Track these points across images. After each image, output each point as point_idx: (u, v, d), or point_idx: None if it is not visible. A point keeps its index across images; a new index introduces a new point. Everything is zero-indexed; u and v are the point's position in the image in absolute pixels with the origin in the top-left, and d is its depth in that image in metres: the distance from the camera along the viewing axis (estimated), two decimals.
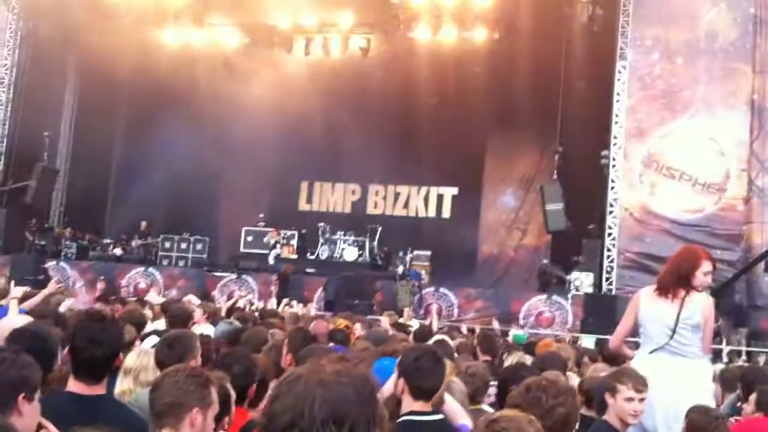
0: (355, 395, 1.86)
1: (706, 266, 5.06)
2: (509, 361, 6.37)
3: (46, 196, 22.53)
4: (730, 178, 17.12)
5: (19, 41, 21.94)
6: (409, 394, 3.70)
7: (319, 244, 21.41)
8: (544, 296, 18.18)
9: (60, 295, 9.64)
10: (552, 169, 19.24)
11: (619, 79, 18.00)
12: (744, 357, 14.45)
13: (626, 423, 4.39)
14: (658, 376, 4.68)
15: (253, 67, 21.68)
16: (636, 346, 5.60)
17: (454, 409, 3.94)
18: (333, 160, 22.66)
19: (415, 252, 20.76)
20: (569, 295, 17.93)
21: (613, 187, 17.85)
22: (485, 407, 4.60)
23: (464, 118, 20.79)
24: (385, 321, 11.25)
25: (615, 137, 17.91)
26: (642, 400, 4.35)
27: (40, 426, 2.88)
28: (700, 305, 5.00)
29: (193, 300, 12.40)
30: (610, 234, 17.74)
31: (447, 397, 3.94)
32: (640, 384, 4.37)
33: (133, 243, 22.36)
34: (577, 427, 3.63)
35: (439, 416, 3.76)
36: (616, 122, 17.92)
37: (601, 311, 16.27)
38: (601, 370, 6.17)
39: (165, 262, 21.66)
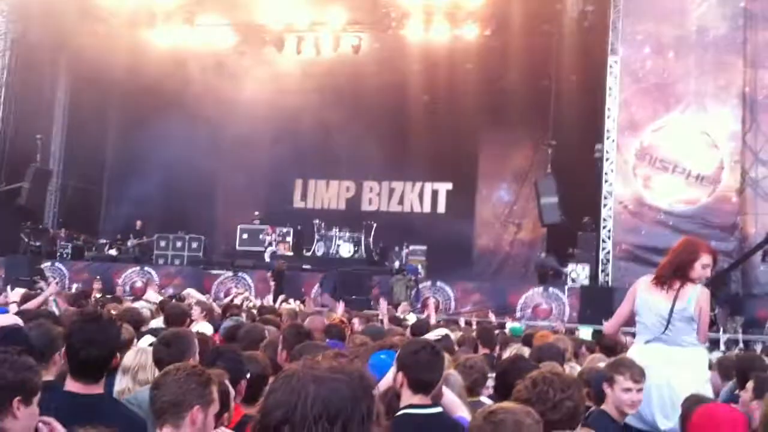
0: (349, 391, 1.86)
1: (705, 259, 5.06)
2: (507, 353, 6.39)
3: (40, 197, 22.48)
4: (723, 169, 17.19)
5: (10, 44, 21.90)
6: (408, 388, 3.72)
7: (315, 240, 21.42)
8: (541, 288, 18.25)
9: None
10: (546, 163, 19.29)
11: (610, 74, 18.05)
12: (741, 345, 14.52)
13: (624, 413, 4.42)
14: (654, 365, 4.71)
15: (245, 67, 21.65)
16: (634, 336, 5.63)
17: (453, 401, 3.96)
18: (327, 158, 22.69)
19: (411, 247, 20.80)
20: (566, 287, 18.00)
21: (607, 180, 17.91)
22: (483, 399, 4.62)
23: (457, 114, 20.81)
24: (383, 304, 11.28)
25: (608, 131, 17.97)
26: (640, 390, 4.38)
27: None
28: (694, 297, 5.01)
29: (192, 293, 12.43)
30: (605, 226, 17.82)
31: (445, 389, 3.96)
32: (637, 375, 4.39)
33: (129, 243, 22.34)
34: None
35: (438, 409, 3.78)
36: (609, 116, 17.98)
37: (598, 302, 16.30)
38: (598, 360, 6.19)
39: (161, 261, 21.65)
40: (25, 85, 21.68)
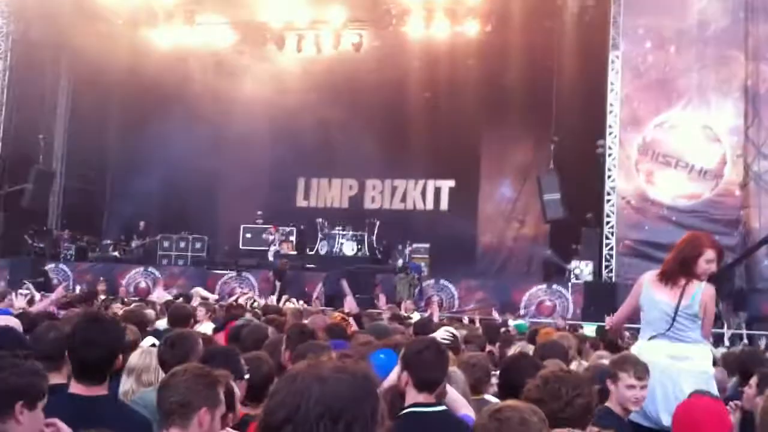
0: (352, 391, 1.85)
1: (709, 254, 5.03)
2: (512, 350, 6.39)
3: (43, 198, 22.49)
4: (726, 164, 17.17)
5: (11, 45, 21.91)
6: (413, 387, 3.72)
7: (318, 239, 21.44)
8: (545, 285, 18.26)
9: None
10: (548, 160, 19.27)
11: (612, 69, 18.04)
12: (745, 340, 14.51)
13: (628, 410, 4.42)
14: (658, 361, 4.70)
15: (245, 66, 21.66)
16: (637, 332, 5.62)
17: (457, 399, 3.96)
18: (329, 156, 22.67)
19: (414, 245, 20.81)
20: (569, 284, 18.00)
21: (609, 176, 17.89)
22: (488, 397, 4.62)
23: (459, 111, 20.79)
24: (383, 299, 11.28)
25: (610, 126, 17.96)
26: (644, 387, 4.38)
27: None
28: (699, 295, 4.99)
29: (200, 292, 12.44)
30: (608, 222, 17.81)
31: (449, 388, 3.96)
32: (641, 371, 4.39)
33: (133, 244, 22.37)
34: None
35: (442, 407, 3.78)
36: (611, 111, 17.97)
37: (602, 299, 16.31)
38: (603, 357, 6.20)
39: (164, 262, 21.69)
40: (26, 85, 21.70)
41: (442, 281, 19.04)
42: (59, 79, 23.52)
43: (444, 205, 23.32)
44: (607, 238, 17.80)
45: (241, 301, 13.10)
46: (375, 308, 13.32)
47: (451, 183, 23.18)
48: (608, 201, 17.88)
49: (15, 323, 4.80)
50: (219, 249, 22.83)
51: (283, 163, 22.60)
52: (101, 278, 19.52)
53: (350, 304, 10.38)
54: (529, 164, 21.72)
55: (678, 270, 5.05)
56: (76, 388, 3.40)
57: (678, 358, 4.95)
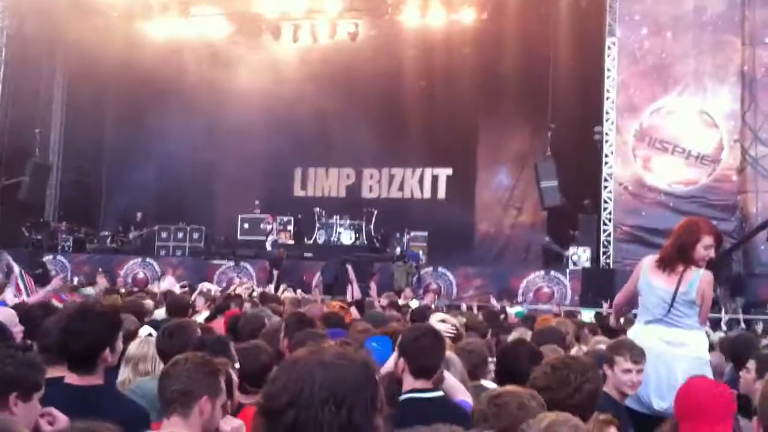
0: (354, 377, 1.88)
1: (706, 240, 5.01)
2: (512, 336, 6.41)
3: (40, 191, 22.51)
4: (723, 149, 17.19)
5: (6, 39, 21.84)
6: (409, 373, 3.73)
7: (316, 228, 21.44)
8: (542, 272, 18.29)
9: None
10: (545, 147, 19.27)
11: (608, 55, 18.02)
12: (743, 325, 14.54)
13: (625, 394, 4.44)
14: (653, 346, 4.71)
15: (241, 56, 21.60)
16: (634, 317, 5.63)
17: (454, 385, 3.97)
18: (326, 146, 22.64)
19: (412, 233, 20.81)
20: (567, 270, 18.03)
21: (607, 162, 17.91)
22: (485, 383, 4.63)
23: (455, 99, 20.75)
24: (374, 287, 11.28)
25: (607, 113, 17.95)
26: (640, 371, 4.39)
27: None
28: (697, 281, 4.98)
29: (207, 286, 12.43)
30: (605, 208, 17.84)
31: (446, 374, 3.97)
32: (637, 356, 4.40)
33: (131, 235, 22.37)
34: None
35: (440, 393, 3.79)
36: (608, 98, 17.97)
37: (600, 285, 16.35)
38: (600, 342, 6.21)
39: (162, 252, 21.68)
40: (22, 79, 21.65)
41: (440, 269, 19.08)
42: (55, 73, 23.49)
43: (441, 193, 23.30)
44: (605, 224, 17.82)
45: (239, 291, 13.10)
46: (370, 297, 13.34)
47: (449, 171, 23.16)
48: (605, 187, 17.90)
49: (11, 314, 4.79)
50: (216, 239, 22.83)
51: (280, 152, 22.55)
52: (100, 269, 19.52)
53: (355, 291, 10.37)
54: (526, 151, 21.69)
55: (676, 256, 5.05)
56: (70, 378, 3.40)
57: (674, 344, 4.96)
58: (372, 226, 21.28)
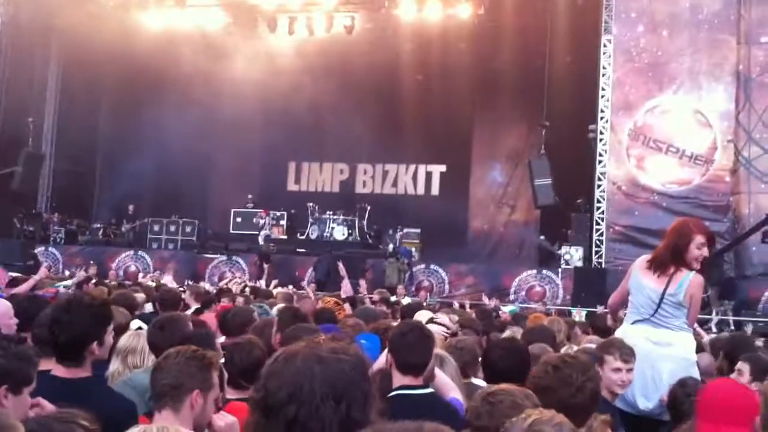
0: (352, 373, 1.90)
1: (699, 239, 5.00)
2: (505, 335, 6.41)
3: (33, 181, 22.41)
4: (716, 149, 17.21)
5: (0, 28, 21.73)
6: (397, 369, 3.72)
7: (309, 224, 21.42)
8: (534, 271, 18.31)
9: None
10: (539, 144, 19.26)
11: (604, 53, 18.01)
12: (732, 327, 14.59)
13: (615, 393, 4.43)
14: (639, 345, 4.70)
15: (237, 48, 21.54)
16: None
17: (445, 383, 3.96)
18: (320, 140, 22.63)
19: (405, 230, 20.81)
20: (559, 270, 18.04)
21: (600, 161, 17.91)
22: (475, 380, 4.62)
23: (451, 94, 20.75)
24: (362, 284, 11.27)
25: (602, 111, 17.95)
26: (629, 370, 4.38)
27: None
28: (686, 283, 4.98)
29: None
30: (598, 208, 17.83)
31: (437, 371, 3.96)
32: (626, 354, 4.40)
33: (123, 228, 22.31)
34: None
35: (429, 390, 3.77)
36: (603, 96, 17.96)
37: (591, 284, 16.36)
38: (591, 342, 6.21)
39: (154, 245, 21.64)
40: (16, 68, 21.57)
41: (432, 266, 19.09)
42: (49, 62, 23.40)
43: (435, 189, 23.32)
44: (597, 223, 17.83)
45: (232, 285, 13.08)
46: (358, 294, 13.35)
47: (442, 168, 23.17)
48: (599, 186, 17.90)
49: (6, 307, 4.76)
50: (209, 233, 22.79)
51: (274, 146, 22.54)
52: (91, 262, 19.44)
53: (346, 287, 10.37)
54: (521, 149, 21.71)
55: (669, 258, 5.04)
56: (58, 370, 3.38)
57: (660, 344, 4.95)
58: (365, 222, 21.28)
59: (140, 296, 8.60)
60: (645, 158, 17.66)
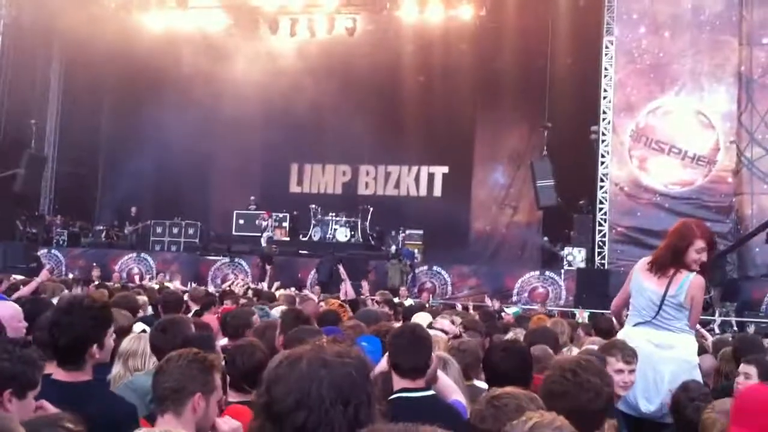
0: (358, 376, 1.89)
1: (698, 243, 5.00)
2: (508, 337, 6.40)
3: (35, 183, 22.42)
4: (719, 150, 17.18)
5: (2, 30, 21.75)
6: (394, 372, 3.70)
7: (311, 225, 21.42)
8: (537, 272, 18.29)
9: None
10: (541, 145, 19.25)
11: (606, 54, 18.00)
12: (735, 328, 14.57)
13: (617, 395, 4.42)
14: (641, 347, 4.69)
15: (238, 50, 21.53)
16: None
17: (448, 385, 3.95)
18: (322, 142, 22.63)
19: (408, 231, 20.81)
20: (562, 271, 18.02)
21: (603, 162, 17.89)
22: (477, 383, 4.61)
23: (452, 96, 20.74)
24: (365, 285, 11.26)
25: (604, 112, 17.94)
26: (632, 371, 4.38)
27: None
28: (687, 284, 4.97)
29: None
30: (601, 209, 17.81)
31: (440, 373, 3.95)
32: (629, 356, 4.39)
33: (126, 230, 22.32)
34: None
35: (429, 393, 3.74)
36: (605, 97, 17.95)
37: (594, 285, 16.34)
38: (594, 344, 6.19)
39: (157, 248, 21.64)
40: (18, 70, 21.57)
41: (435, 268, 19.07)
42: (51, 64, 23.43)
43: (437, 191, 23.32)
44: (600, 224, 17.80)
45: (234, 287, 13.09)
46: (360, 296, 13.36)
47: (445, 169, 23.18)
48: (601, 187, 17.88)
49: (17, 310, 4.75)
50: (211, 234, 22.80)
51: (276, 148, 22.55)
52: (94, 264, 19.46)
53: (348, 290, 10.36)
54: (523, 150, 21.70)
55: (669, 260, 5.04)
56: (58, 374, 3.36)
57: (662, 347, 4.94)
58: (367, 224, 21.27)
59: (142, 299, 8.60)
60: (647, 159, 17.64)
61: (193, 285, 13.31)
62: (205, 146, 22.30)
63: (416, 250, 20.10)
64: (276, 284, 14.64)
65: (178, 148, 20.98)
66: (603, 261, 17.62)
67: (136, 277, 18.75)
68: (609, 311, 6.53)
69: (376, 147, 22.25)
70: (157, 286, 12.88)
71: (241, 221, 22.07)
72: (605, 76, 17.99)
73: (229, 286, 13.66)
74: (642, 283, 5.08)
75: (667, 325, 4.98)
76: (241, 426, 3.13)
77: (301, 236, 21.55)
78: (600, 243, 17.74)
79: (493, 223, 22.40)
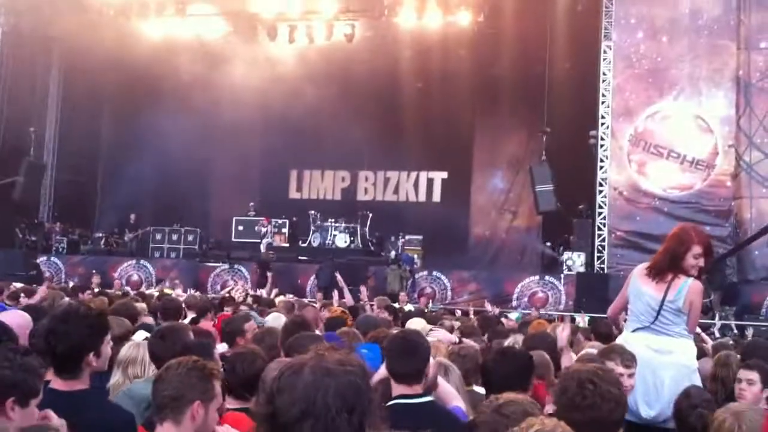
0: (360, 384, 1.90)
1: (696, 249, 4.99)
2: (507, 342, 6.39)
3: (35, 191, 22.41)
4: (717, 154, 17.19)
5: (1, 37, 21.79)
6: (391, 378, 3.69)
7: (311, 231, 21.42)
8: (537, 277, 18.29)
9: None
10: (540, 150, 19.25)
11: (604, 59, 18.02)
12: (735, 332, 14.56)
13: None
14: (640, 353, 4.68)
15: (237, 57, 21.54)
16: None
17: (448, 392, 3.94)
18: (321, 148, 22.62)
19: (407, 237, 20.81)
20: (562, 275, 18.01)
21: (602, 167, 17.90)
22: (477, 389, 4.60)
23: (451, 101, 20.76)
24: (363, 290, 11.26)
25: (602, 117, 17.96)
26: (631, 375, 4.38)
27: None
28: (685, 289, 4.96)
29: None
30: (600, 213, 17.81)
31: (441, 380, 3.94)
32: (628, 360, 4.39)
33: (126, 237, 22.31)
34: None
35: (427, 399, 3.71)
36: (603, 102, 17.97)
37: (594, 290, 16.32)
38: (594, 348, 6.19)
39: (157, 254, 21.64)
40: (17, 77, 21.61)
41: (434, 273, 19.06)
42: (50, 71, 23.47)
43: (436, 196, 23.33)
44: (599, 229, 17.80)
45: (234, 293, 13.09)
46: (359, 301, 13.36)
47: (444, 175, 23.20)
48: (600, 192, 17.89)
49: (26, 319, 4.75)
50: (211, 241, 22.79)
51: (275, 154, 22.57)
52: (94, 271, 19.46)
53: (346, 297, 10.37)
54: (522, 155, 21.71)
55: (667, 265, 5.04)
56: (56, 383, 3.34)
57: (661, 352, 4.93)
58: (367, 229, 21.27)
59: (141, 306, 8.60)
60: (646, 164, 17.65)
61: (190, 292, 13.28)
62: (204, 153, 22.31)
63: (416, 256, 20.10)
64: (274, 291, 14.63)
65: (177, 155, 20.98)
66: (602, 265, 17.61)
67: (143, 286, 18.70)
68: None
69: (375, 153, 22.27)
70: (156, 294, 12.88)
71: (241, 227, 22.07)
72: (603, 80, 18.01)
73: (228, 292, 13.66)
74: (640, 288, 5.08)
75: (665, 330, 4.97)
76: None
77: (300, 242, 21.55)
78: (599, 247, 17.74)
79: (492, 228, 22.40)
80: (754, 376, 4.75)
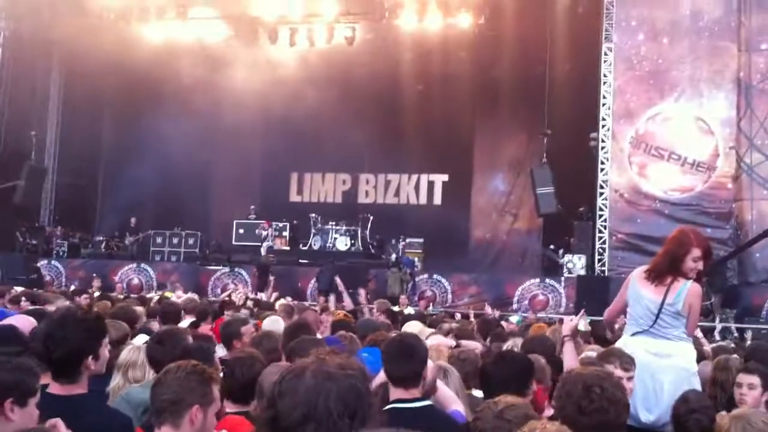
0: (361, 387, 1.91)
1: (695, 252, 4.98)
2: (507, 345, 6.38)
3: (35, 195, 22.45)
4: (718, 156, 17.17)
5: (2, 41, 21.82)
6: (390, 382, 3.68)
7: (311, 234, 21.42)
8: (537, 280, 18.27)
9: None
10: (541, 153, 19.26)
11: (605, 61, 18.01)
12: (735, 334, 14.54)
13: None
14: (639, 357, 4.67)
15: (238, 60, 21.56)
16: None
17: (448, 396, 3.93)
18: (322, 151, 22.63)
19: (408, 239, 20.80)
20: (562, 278, 17.99)
21: (602, 169, 17.88)
22: (475, 392, 4.58)
23: (452, 103, 20.77)
24: (362, 293, 11.25)
25: (603, 119, 17.95)
26: (630, 378, 4.35)
27: None
28: (684, 292, 4.95)
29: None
30: (601, 216, 17.79)
31: (440, 384, 3.93)
32: (627, 363, 4.37)
33: (127, 241, 22.33)
34: None
35: (425, 403, 3.68)
36: (604, 104, 17.96)
37: (595, 292, 16.28)
38: (593, 351, 6.17)
39: (157, 258, 21.65)
40: (18, 81, 21.62)
41: (435, 276, 19.05)
42: (50, 75, 23.50)
43: (437, 199, 23.33)
44: (600, 231, 17.78)
45: (234, 297, 13.06)
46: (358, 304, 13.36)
47: (444, 177, 23.20)
48: (601, 194, 17.87)
49: (31, 323, 4.74)
50: (211, 244, 22.80)
51: (276, 157, 22.58)
52: (94, 275, 19.47)
53: (345, 301, 10.36)
54: (523, 157, 21.71)
55: (666, 268, 5.03)
56: (54, 387, 3.33)
57: (660, 355, 4.91)
58: (367, 232, 21.28)
59: (140, 309, 8.59)
60: (647, 166, 17.63)
61: (188, 295, 13.26)
62: (204, 156, 22.33)
63: (416, 259, 20.08)
64: (274, 295, 14.61)
65: (178, 159, 21.00)
66: (603, 268, 17.60)
67: (144, 290, 18.70)
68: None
69: (376, 155, 22.28)
70: (156, 297, 12.87)
71: (241, 231, 22.08)
72: (604, 82, 18.00)
73: (228, 295, 13.64)
74: (639, 292, 5.06)
75: (664, 333, 4.95)
76: None
77: (301, 245, 21.56)
78: (600, 250, 17.72)
79: (493, 230, 22.39)
80: (755, 380, 4.71)
